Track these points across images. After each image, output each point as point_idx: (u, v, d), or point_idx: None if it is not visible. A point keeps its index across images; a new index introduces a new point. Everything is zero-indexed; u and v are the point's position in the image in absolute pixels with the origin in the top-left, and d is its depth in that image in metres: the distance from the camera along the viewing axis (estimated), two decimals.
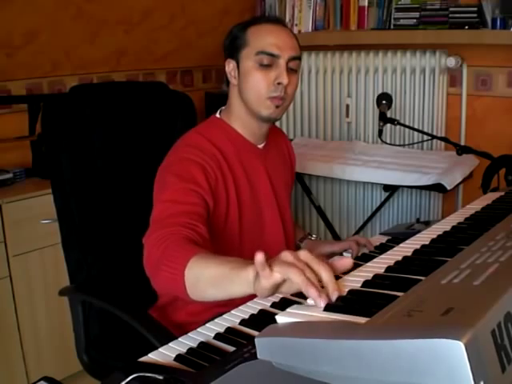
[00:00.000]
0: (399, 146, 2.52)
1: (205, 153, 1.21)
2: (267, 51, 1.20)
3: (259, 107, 1.24)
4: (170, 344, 0.88)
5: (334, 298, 0.75)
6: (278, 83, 1.21)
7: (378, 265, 0.91)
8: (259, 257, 0.75)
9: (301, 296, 0.98)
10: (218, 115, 1.34)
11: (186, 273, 0.91)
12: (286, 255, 0.77)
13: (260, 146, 1.34)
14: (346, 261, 0.80)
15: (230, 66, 1.26)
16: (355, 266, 0.92)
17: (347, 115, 2.75)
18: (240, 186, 1.26)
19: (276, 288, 0.78)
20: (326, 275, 0.76)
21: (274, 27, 1.24)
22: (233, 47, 1.25)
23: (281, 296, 1.04)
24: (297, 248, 1.46)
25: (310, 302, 0.76)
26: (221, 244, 1.19)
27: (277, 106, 1.23)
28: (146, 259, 1.03)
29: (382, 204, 2.64)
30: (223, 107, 1.34)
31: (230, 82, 1.28)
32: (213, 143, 1.24)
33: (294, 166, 1.53)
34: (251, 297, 1.03)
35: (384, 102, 1.90)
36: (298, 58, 1.25)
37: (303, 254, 0.77)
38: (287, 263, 0.75)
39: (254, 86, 1.22)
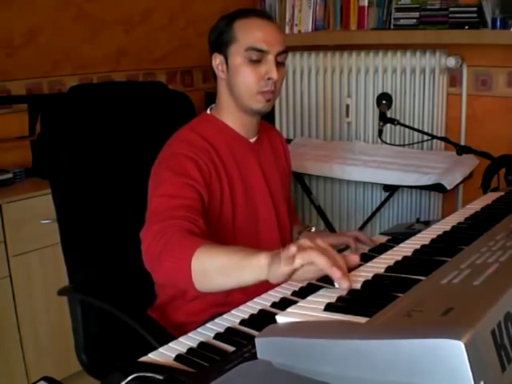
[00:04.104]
0: (399, 146, 2.52)
1: (197, 147, 1.22)
2: (256, 47, 1.21)
3: (250, 102, 1.25)
4: (170, 344, 0.88)
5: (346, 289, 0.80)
6: (268, 78, 1.23)
7: (378, 265, 0.91)
8: (292, 249, 0.80)
9: (301, 296, 0.98)
10: (208, 112, 1.35)
11: (192, 263, 0.92)
12: (305, 242, 0.82)
13: (252, 140, 1.35)
14: (353, 258, 0.84)
15: (216, 61, 1.26)
16: (355, 266, 0.92)
17: (347, 115, 2.75)
18: (233, 179, 1.27)
19: (290, 276, 0.82)
20: (342, 264, 0.81)
21: (261, 22, 1.24)
22: (220, 42, 1.24)
23: (281, 296, 1.04)
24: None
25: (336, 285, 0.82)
26: (215, 238, 1.19)
27: (267, 100, 1.26)
28: (146, 252, 1.04)
29: (382, 204, 2.64)
30: (213, 104, 1.35)
31: (218, 76, 1.28)
32: (204, 138, 1.25)
33: (290, 161, 1.54)
34: (251, 296, 1.04)
35: (384, 101, 1.90)
36: (286, 52, 1.27)
37: (320, 242, 0.82)
38: (309, 248, 0.80)
39: (244, 81, 1.23)
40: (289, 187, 1.54)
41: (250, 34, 1.22)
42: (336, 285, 0.81)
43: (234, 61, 1.23)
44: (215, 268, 0.91)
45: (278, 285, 1.06)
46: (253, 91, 1.23)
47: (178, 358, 0.83)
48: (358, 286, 0.82)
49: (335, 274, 0.78)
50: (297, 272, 0.82)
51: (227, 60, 1.24)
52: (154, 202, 1.12)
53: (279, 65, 1.25)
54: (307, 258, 0.80)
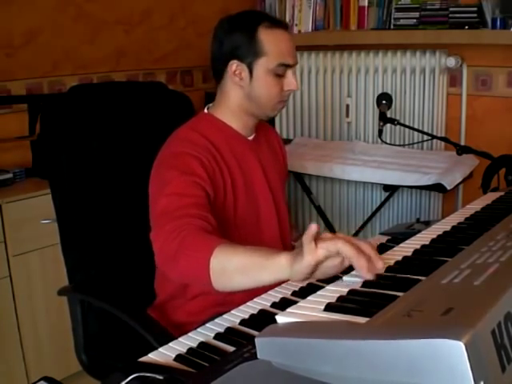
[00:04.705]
0: (399, 146, 2.52)
1: (199, 146, 1.22)
2: (286, 63, 1.24)
3: (268, 110, 1.29)
4: (170, 344, 0.88)
5: (381, 270, 0.82)
6: (288, 90, 1.27)
7: None
8: (313, 227, 0.81)
9: (301, 296, 0.98)
10: (206, 111, 1.35)
11: (211, 261, 0.93)
12: (327, 234, 0.83)
13: (250, 138, 1.36)
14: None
15: (233, 68, 1.25)
16: None
17: (347, 115, 2.75)
18: (234, 175, 1.28)
19: (314, 270, 0.82)
20: (368, 250, 0.82)
21: (286, 35, 1.26)
22: (242, 52, 1.23)
23: (281, 296, 1.04)
24: (292, 249, 1.47)
25: (346, 278, 0.83)
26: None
27: (281, 107, 1.32)
28: (160, 250, 1.04)
29: (382, 204, 2.64)
30: (210, 104, 1.36)
31: (231, 81, 1.27)
32: (204, 136, 1.25)
33: (286, 159, 1.55)
34: (251, 296, 1.04)
35: (384, 101, 1.90)
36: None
37: (341, 235, 0.83)
38: (333, 238, 0.81)
39: (268, 93, 1.26)
40: (285, 186, 1.55)
41: (280, 49, 1.23)
42: (344, 278, 0.82)
43: (260, 73, 1.24)
44: (235, 267, 0.92)
45: (279, 285, 1.07)
46: (275, 101, 1.28)
47: (178, 357, 0.83)
48: (358, 285, 0.82)
49: (362, 266, 0.80)
50: (319, 268, 0.83)
51: (251, 70, 1.24)
52: (162, 201, 1.11)
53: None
54: (332, 247, 0.80)
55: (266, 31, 1.23)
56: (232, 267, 0.93)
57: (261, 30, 1.23)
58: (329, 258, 0.82)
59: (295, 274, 0.85)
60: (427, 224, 1.36)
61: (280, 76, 1.25)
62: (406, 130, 2.54)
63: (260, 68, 1.24)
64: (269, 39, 1.23)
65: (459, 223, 1.14)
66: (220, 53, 1.27)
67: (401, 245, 1.04)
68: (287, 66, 1.25)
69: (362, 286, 0.81)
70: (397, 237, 1.30)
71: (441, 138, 1.99)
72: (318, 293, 0.81)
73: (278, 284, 1.06)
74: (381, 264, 0.83)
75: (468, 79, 2.48)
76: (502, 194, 1.38)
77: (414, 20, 2.47)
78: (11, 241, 1.97)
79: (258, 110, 1.29)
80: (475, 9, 2.28)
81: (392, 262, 0.92)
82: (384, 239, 1.33)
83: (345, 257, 0.81)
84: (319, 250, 0.80)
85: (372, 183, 2.57)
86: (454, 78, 2.53)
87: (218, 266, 0.93)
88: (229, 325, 0.94)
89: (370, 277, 0.80)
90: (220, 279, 0.95)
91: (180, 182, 1.13)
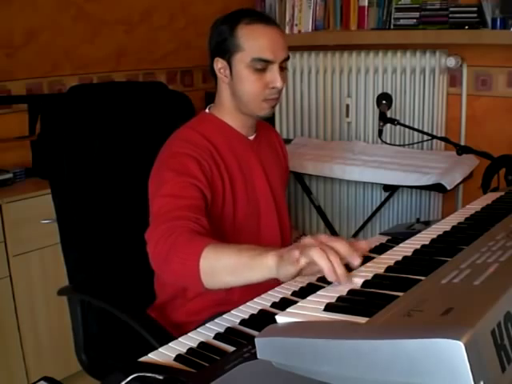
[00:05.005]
0: (399, 146, 2.52)
1: (198, 146, 1.22)
2: (262, 58, 1.21)
3: (255, 109, 1.27)
4: (170, 344, 0.88)
5: (356, 263, 0.84)
6: (273, 87, 1.24)
7: (378, 265, 0.91)
8: (296, 252, 0.82)
9: (301, 296, 0.98)
10: (207, 111, 1.35)
11: (200, 262, 0.94)
12: (308, 240, 0.85)
13: (251, 138, 1.36)
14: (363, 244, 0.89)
15: (218, 65, 1.26)
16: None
17: (347, 115, 2.75)
18: (234, 176, 1.28)
19: (299, 273, 0.85)
20: (343, 249, 0.83)
21: (267, 29, 1.23)
22: (223, 48, 1.23)
23: (281, 296, 1.04)
24: None
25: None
26: (216, 235, 1.19)
27: (271, 107, 1.28)
28: (153, 253, 1.04)
29: (382, 204, 2.64)
30: (212, 104, 1.36)
31: (220, 80, 1.28)
32: (204, 136, 1.25)
33: (287, 159, 1.55)
34: (251, 295, 1.04)
35: (384, 101, 1.90)
36: (288, 57, 1.27)
37: (322, 237, 0.85)
38: (310, 247, 0.82)
39: (249, 89, 1.24)
40: (286, 186, 1.55)
41: (256, 43, 1.21)
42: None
43: (238, 69, 1.23)
44: (224, 268, 0.94)
45: (279, 284, 1.07)
46: (259, 99, 1.25)
47: (178, 357, 0.83)
48: (358, 285, 0.82)
49: (333, 279, 0.81)
50: (306, 270, 0.84)
51: (231, 67, 1.24)
52: (157, 202, 1.12)
53: (281, 70, 1.25)
54: (309, 258, 0.81)
55: (245, 26, 1.22)
56: (221, 268, 0.94)
57: (240, 25, 1.22)
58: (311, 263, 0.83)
59: (282, 277, 0.87)
60: (427, 224, 1.35)
61: (261, 72, 1.22)
62: (406, 130, 2.54)
63: (238, 64, 1.23)
64: (246, 33, 1.21)
65: (459, 223, 1.14)
66: (209, 50, 1.28)
67: (401, 245, 1.04)
68: (267, 62, 1.22)
69: (362, 286, 0.81)
70: (397, 237, 1.30)
71: (441, 138, 1.99)
72: (318, 293, 0.81)
73: (278, 284, 1.06)
74: (356, 261, 0.83)
75: (468, 79, 2.48)
76: (502, 193, 1.38)
77: (414, 20, 2.47)
78: (11, 241, 1.98)
79: (244, 108, 1.27)
80: (475, 9, 2.28)
81: (392, 262, 0.92)
82: (384, 239, 1.33)
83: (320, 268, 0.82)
84: (301, 261, 0.82)
85: (372, 183, 2.56)
86: (453, 78, 2.52)
87: (207, 267, 0.95)
88: (229, 325, 0.94)
89: (342, 281, 0.81)
90: (210, 279, 0.96)
91: (176, 183, 1.13)
